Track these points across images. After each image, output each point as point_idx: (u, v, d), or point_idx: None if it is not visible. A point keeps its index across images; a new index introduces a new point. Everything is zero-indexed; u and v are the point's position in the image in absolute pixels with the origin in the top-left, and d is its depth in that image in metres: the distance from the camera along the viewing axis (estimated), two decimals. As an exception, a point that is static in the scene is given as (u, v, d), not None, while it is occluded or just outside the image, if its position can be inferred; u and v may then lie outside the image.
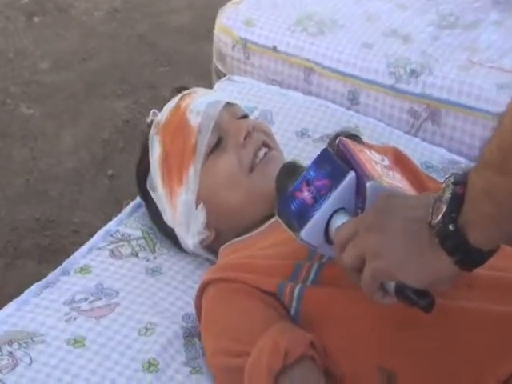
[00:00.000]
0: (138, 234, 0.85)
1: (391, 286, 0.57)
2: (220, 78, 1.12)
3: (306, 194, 0.62)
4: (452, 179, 0.54)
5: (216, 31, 1.16)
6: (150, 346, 0.72)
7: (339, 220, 0.61)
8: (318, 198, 0.61)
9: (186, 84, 0.92)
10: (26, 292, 0.78)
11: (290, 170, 0.66)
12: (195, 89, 0.86)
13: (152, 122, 0.83)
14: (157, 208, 0.83)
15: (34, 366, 0.70)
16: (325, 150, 0.64)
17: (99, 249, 0.83)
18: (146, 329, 0.73)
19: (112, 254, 0.82)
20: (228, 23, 1.14)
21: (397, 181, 0.63)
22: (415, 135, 1.02)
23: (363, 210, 0.60)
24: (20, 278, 1.21)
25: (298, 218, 0.62)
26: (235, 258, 0.74)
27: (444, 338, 0.63)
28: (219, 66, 1.16)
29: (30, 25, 1.84)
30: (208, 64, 1.23)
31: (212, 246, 0.81)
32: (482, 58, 1.03)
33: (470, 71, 1.02)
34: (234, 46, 1.13)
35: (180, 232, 0.82)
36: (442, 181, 0.57)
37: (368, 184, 0.59)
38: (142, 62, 1.73)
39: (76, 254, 0.83)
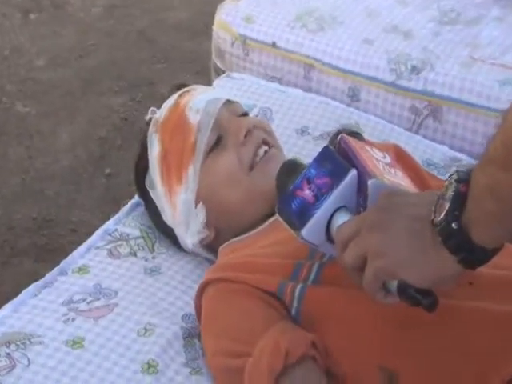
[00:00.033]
0: (137, 233, 0.84)
1: (393, 285, 0.56)
2: (219, 74, 1.12)
3: (306, 193, 0.61)
4: (455, 177, 0.54)
5: (215, 27, 1.15)
6: (150, 347, 0.71)
7: (340, 218, 0.60)
8: (319, 197, 0.60)
9: (184, 81, 0.91)
10: (23, 292, 0.78)
11: (291, 168, 0.66)
12: (194, 86, 0.85)
13: (151, 119, 0.83)
14: (155, 207, 0.82)
15: (32, 367, 0.69)
16: (326, 148, 0.63)
17: (97, 248, 0.83)
18: (145, 329, 0.73)
19: (110, 253, 0.82)
20: (227, 19, 1.13)
21: (399, 178, 0.62)
22: (416, 132, 1.02)
23: (365, 208, 0.60)
24: (17, 277, 1.21)
25: (298, 216, 0.62)
26: (235, 258, 0.73)
27: (446, 338, 0.63)
28: (218, 63, 1.16)
29: (25, 22, 1.83)
30: (207, 61, 1.23)
31: (212, 246, 0.80)
32: (483, 54, 1.03)
33: (472, 68, 1.01)
34: (233, 43, 1.12)
35: (179, 231, 0.81)
36: (443, 178, 0.56)
37: (370, 182, 0.59)
38: (139, 59, 1.72)
39: (74, 253, 0.82)
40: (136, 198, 0.88)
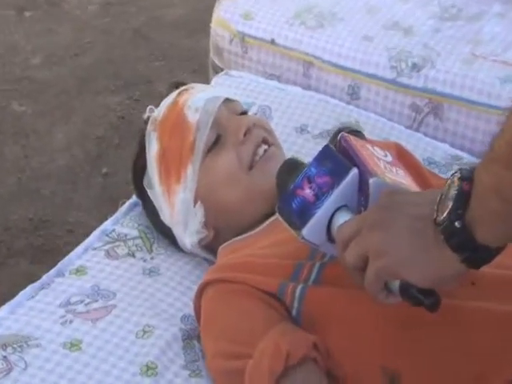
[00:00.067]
0: (135, 233, 0.84)
1: (395, 285, 0.56)
2: (217, 72, 1.11)
3: (307, 192, 0.61)
4: (458, 175, 0.53)
5: (213, 25, 1.14)
6: (148, 349, 0.70)
7: (341, 218, 0.60)
8: (319, 196, 0.60)
9: (182, 79, 0.90)
10: (19, 294, 0.77)
11: (291, 167, 0.65)
12: (193, 84, 0.84)
13: (149, 118, 0.82)
14: (154, 207, 0.81)
15: (29, 370, 0.69)
16: (326, 147, 0.63)
17: (95, 249, 0.82)
18: (144, 331, 0.72)
19: (108, 254, 0.81)
20: (225, 16, 1.12)
21: (400, 177, 0.62)
22: (417, 130, 1.01)
23: (366, 207, 0.59)
24: (13, 278, 1.20)
25: (299, 215, 0.61)
26: (234, 258, 0.73)
27: (449, 338, 0.62)
28: (216, 61, 1.15)
29: (20, 19, 1.82)
30: (204, 58, 1.22)
31: (211, 246, 0.80)
32: (485, 51, 1.02)
33: (473, 65, 1.00)
34: (231, 40, 1.11)
35: (178, 231, 0.80)
36: (444, 177, 0.55)
37: (371, 180, 0.58)
38: (136, 57, 1.71)
39: (71, 254, 0.81)
40: (134, 198, 0.87)
